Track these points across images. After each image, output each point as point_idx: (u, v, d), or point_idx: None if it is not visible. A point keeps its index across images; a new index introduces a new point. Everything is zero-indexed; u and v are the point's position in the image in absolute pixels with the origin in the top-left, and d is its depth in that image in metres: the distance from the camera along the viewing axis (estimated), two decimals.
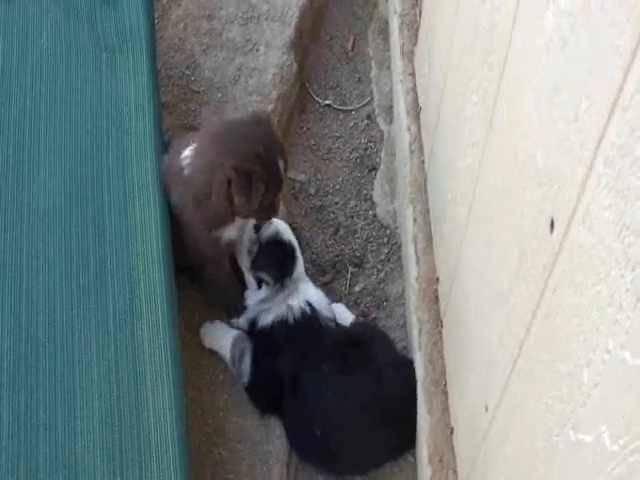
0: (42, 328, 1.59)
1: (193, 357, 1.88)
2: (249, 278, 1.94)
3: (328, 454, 1.79)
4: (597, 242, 0.84)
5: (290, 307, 1.87)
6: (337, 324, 1.93)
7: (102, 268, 1.65)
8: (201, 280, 1.93)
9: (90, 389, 1.53)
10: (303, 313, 1.86)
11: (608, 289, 0.80)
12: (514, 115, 1.19)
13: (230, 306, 1.95)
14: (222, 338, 1.90)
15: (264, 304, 1.91)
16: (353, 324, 1.96)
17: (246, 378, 1.86)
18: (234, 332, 1.91)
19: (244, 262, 1.93)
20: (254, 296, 1.93)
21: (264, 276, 1.91)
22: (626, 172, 0.77)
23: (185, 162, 1.72)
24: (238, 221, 1.79)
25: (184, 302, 1.89)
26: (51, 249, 1.68)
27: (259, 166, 1.66)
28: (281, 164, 1.72)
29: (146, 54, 1.95)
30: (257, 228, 1.91)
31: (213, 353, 1.91)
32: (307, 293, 1.91)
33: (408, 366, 1.76)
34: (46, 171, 1.78)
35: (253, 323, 1.91)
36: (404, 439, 1.76)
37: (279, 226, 1.94)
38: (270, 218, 1.85)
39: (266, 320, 1.88)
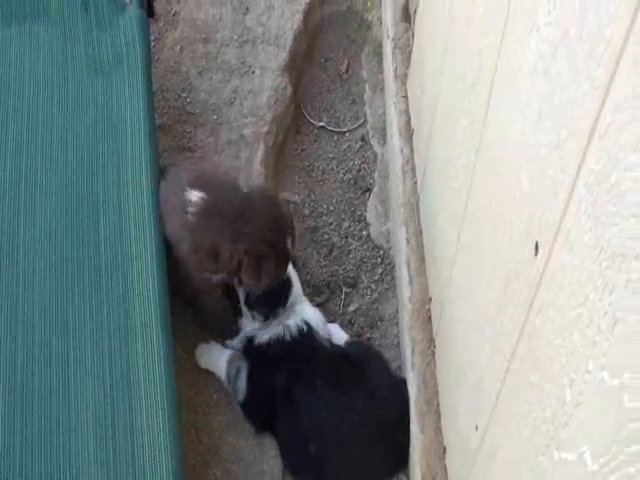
0: (38, 347, 1.60)
1: (189, 378, 1.89)
2: (244, 309, 1.94)
3: (321, 473, 1.80)
4: (578, 265, 0.86)
5: (287, 326, 1.88)
6: (332, 344, 1.93)
7: (97, 290, 1.67)
8: (195, 305, 1.94)
9: (85, 411, 1.54)
10: (300, 331, 1.87)
11: (588, 312, 0.82)
12: (501, 139, 1.21)
13: (224, 328, 1.97)
14: (218, 359, 1.91)
15: (259, 330, 1.92)
16: (348, 343, 1.97)
17: (242, 395, 1.87)
18: (229, 351, 1.92)
19: (240, 294, 1.93)
20: (249, 326, 1.94)
21: (255, 314, 1.92)
22: (603, 198, 0.80)
23: (191, 208, 1.72)
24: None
25: (180, 324, 1.90)
26: (47, 271, 1.69)
27: (270, 250, 1.70)
28: (289, 241, 1.76)
29: (142, 76, 1.97)
30: None
31: (209, 374, 1.92)
32: (304, 313, 1.92)
33: (402, 386, 1.77)
34: (42, 192, 1.80)
35: (250, 340, 1.91)
36: (397, 459, 1.77)
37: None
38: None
39: (262, 338, 1.89)
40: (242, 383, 1.87)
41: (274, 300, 1.89)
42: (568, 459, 0.85)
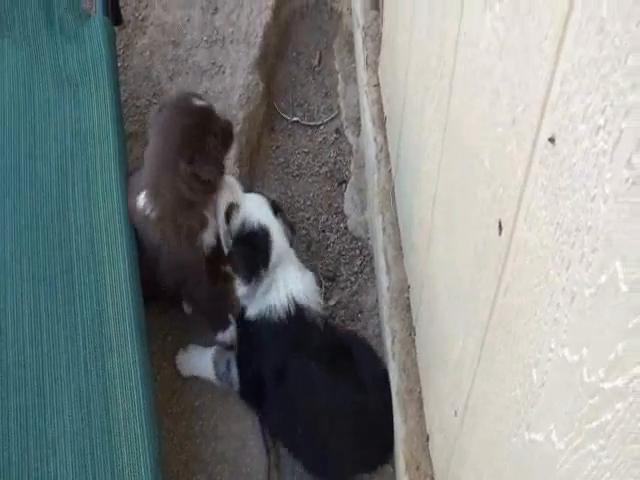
0: (12, 366, 1.58)
1: (168, 385, 1.88)
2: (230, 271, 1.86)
3: (309, 450, 1.76)
4: (537, 242, 0.85)
5: (271, 307, 1.75)
6: (326, 322, 1.81)
7: (70, 305, 1.65)
8: (186, 296, 1.92)
9: (62, 426, 1.52)
10: (287, 313, 1.75)
11: (548, 288, 0.81)
12: (463, 119, 1.20)
13: (216, 319, 1.94)
14: (202, 362, 1.88)
15: (247, 299, 1.81)
16: (342, 333, 1.89)
17: (237, 385, 1.83)
18: (211, 351, 1.89)
19: (223, 239, 1.83)
20: (239, 290, 1.82)
21: (237, 278, 1.81)
22: (557, 171, 0.79)
23: (147, 210, 1.74)
24: (211, 222, 1.81)
25: (158, 330, 1.90)
26: (19, 288, 1.68)
27: (196, 131, 1.70)
28: (199, 102, 1.75)
29: (109, 85, 1.96)
30: (227, 217, 1.80)
31: (188, 380, 1.90)
32: (289, 284, 1.77)
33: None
34: (12, 207, 1.78)
35: (242, 312, 1.83)
36: (385, 451, 1.75)
37: (247, 210, 1.79)
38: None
39: (250, 313, 1.80)
40: (234, 373, 1.82)
41: (249, 260, 1.77)
42: (537, 440, 0.84)
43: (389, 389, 1.73)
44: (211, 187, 1.77)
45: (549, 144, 0.82)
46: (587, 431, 0.69)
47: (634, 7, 0.61)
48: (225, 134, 1.79)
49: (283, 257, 1.81)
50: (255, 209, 1.81)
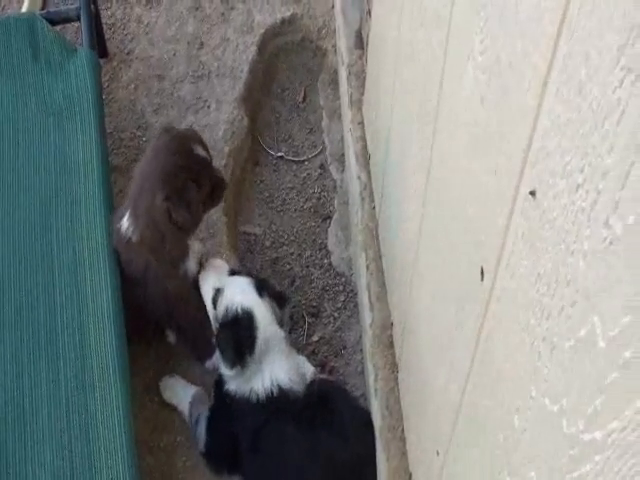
0: None
1: (150, 420, 1.88)
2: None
3: None
4: (518, 291, 0.87)
5: (253, 390, 1.72)
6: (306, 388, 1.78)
7: (53, 338, 1.65)
8: (174, 324, 1.93)
9: (43, 464, 1.52)
10: (268, 396, 1.72)
11: (529, 337, 0.83)
12: (446, 165, 1.22)
13: (204, 347, 1.92)
14: (182, 396, 1.89)
15: (229, 377, 1.77)
16: (315, 382, 1.83)
17: (202, 444, 1.82)
18: (193, 389, 1.90)
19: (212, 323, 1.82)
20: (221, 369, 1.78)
21: (222, 361, 1.74)
22: (537, 224, 0.81)
23: (128, 232, 1.76)
24: (193, 249, 1.84)
25: (141, 364, 1.90)
26: (0, 320, 1.68)
27: (183, 174, 1.72)
28: (200, 150, 1.78)
29: (93, 118, 1.98)
30: (214, 302, 1.78)
31: (170, 415, 1.90)
32: (274, 372, 1.73)
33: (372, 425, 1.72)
34: None
35: (221, 377, 1.81)
36: None
37: (229, 294, 1.76)
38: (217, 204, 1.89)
39: (231, 387, 1.76)
40: (202, 431, 1.82)
41: (235, 349, 1.70)
42: None
43: (372, 436, 1.71)
44: (183, 232, 1.78)
45: (530, 197, 0.84)
46: None
47: (610, 76, 0.63)
48: (215, 191, 1.82)
49: (271, 343, 1.75)
50: (238, 293, 1.76)
